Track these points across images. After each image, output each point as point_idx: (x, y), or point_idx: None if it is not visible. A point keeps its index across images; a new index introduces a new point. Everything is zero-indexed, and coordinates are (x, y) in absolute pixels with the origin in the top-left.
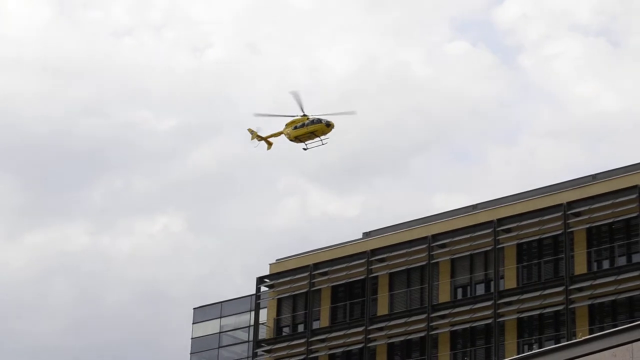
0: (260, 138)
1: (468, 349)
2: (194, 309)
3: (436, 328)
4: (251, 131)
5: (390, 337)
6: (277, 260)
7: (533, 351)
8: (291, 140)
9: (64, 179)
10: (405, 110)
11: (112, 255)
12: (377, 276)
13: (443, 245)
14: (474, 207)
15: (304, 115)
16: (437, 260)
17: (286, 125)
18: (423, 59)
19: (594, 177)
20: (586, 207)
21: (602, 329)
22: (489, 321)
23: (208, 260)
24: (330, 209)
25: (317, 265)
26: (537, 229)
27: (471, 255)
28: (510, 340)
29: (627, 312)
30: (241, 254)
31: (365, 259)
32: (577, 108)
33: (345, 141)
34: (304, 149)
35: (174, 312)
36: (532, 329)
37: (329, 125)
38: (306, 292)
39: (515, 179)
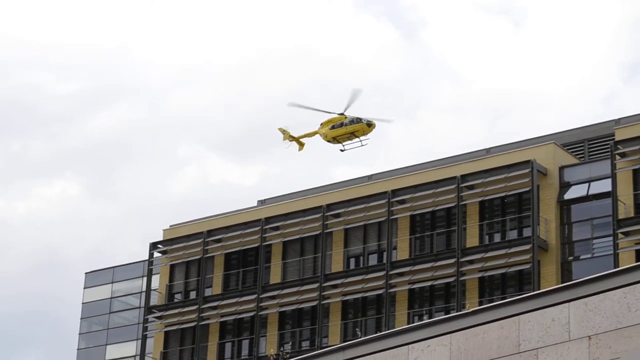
0: (292, 138)
1: (359, 319)
2: (86, 273)
3: (328, 297)
4: (282, 130)
5: (282, 305)
6: (170, 226)
7: (423, 321)
8: (328, 140)
9: None
10: (307, 82)
11: (7, 218)
12: (270, 244)
13: (337, 215)
14: (369, 177)
15: (341, 114)
16: (331, 229)
17: (322, 124)
18: (326, 33)
19: (488, 151)
20: (479, 181)
21: (491, 302)
22: (381, 292)
23: (105, 226)
24: (230, 178)
25: (210, 232)
26: (430, 200)
27: (365, 225)
28: (401, 311)
29: (517, 285)
30: (138, 221)
31: (259, 227)
32: (477, 85)
33: (246, 112)
34: (342, 150)
35: (68, 278)
36: (422, 300)
37: (370, 125)
38: (199, 259)
39: (414, 153)
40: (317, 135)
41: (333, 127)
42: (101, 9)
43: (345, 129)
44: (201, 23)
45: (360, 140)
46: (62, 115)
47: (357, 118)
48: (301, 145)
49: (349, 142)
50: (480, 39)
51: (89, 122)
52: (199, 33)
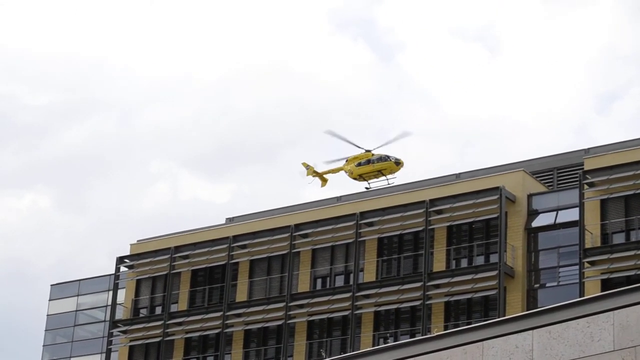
0: (316, 174)
1: (324, 340)
2: (51, 285)
3: (294, 317)
4: (306, 165)
5: (247, 323)
6: (138, 241)
7: (388, 344)
8: (353, 178)
9: None
10: (281, 102)
11: None
12: (237, 262)
13: (305, 235)
14: (338, 199)
15: (368, 151)
16: (299, 249)
17: (347, 161)
18: (302, 53)
19: (458, 177)
20: (448, 205)
21: (456, 326)
22: (347, 313)
23: (73, 240)
24: (201, 195)
25: (178, 248)
26: (398, 224)
27: (332, 246)
28: (367, 333)
29: (482, 310)
30: (107, 235)
31: (227, 245)
32: (450, 110)
33: (219, 129)
34: (367, 188)
35: (34, 290)
36: (388, 323)
37: (398, 164)
38: (166, 275)
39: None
40: (342, 172)
41: (359, 165)
42: (77, 21)
43: (372, 167)
44: (176, 40)
45: (387, 179)
46: (34, 126)
47: (385, 156)
48: (324, 181)
49: (375, 179)
50: (455, 64)
51: (61, 134)
52: (174, 49)
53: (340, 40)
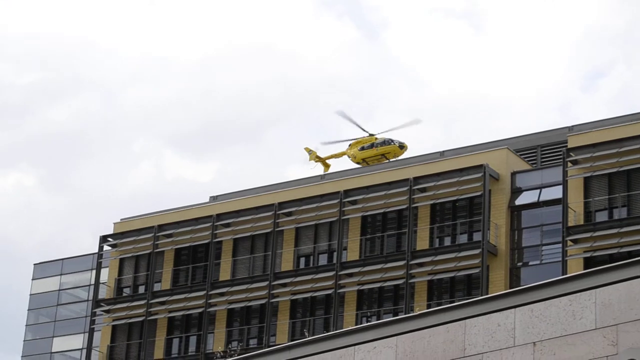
0: (318, 159)
1: (308, 318)
2: (34, 264)
3: (277, 296)
4: (309, 150)
5: (230, 302)
6: (121, 219)
7: (370, 323)
8: (357, 162)
9: None
10: (265, 81)
11: None
12: (221, 241)
13: (289, 214)
14: (322, 177)
15: (371, 134)
16: (282, 228)
17: (350, 145)
18: (287, 31)
19: (442, 154)
20: (431, 184)
21: (439, 305)
22: (330, 292)
23: (58, 219)
24: (185, 174)
25: (161, 227)
26: (382, 202)
27: (316, 225)
28: (350, 312)
29: (465, 289)
30: (92, 214)
31: (210, 223)
32: (435, 87)
33: (204, 109)
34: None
35: (18, 269)
36: (371, 302)
37: (402, 147)
38: (149, 254)
39: None
40: (345, 157)
41: (363, 149)
42: (62, 1)
43: (376, 151)
44: (161, 19)
45: (391, 162)
46: (18, 105)
47: (389, 139)
48: (327, 166)
49: (379, 164)
50: (440, 42)
51: (46, 113)
52: (159, 29)
53: (325, 19)
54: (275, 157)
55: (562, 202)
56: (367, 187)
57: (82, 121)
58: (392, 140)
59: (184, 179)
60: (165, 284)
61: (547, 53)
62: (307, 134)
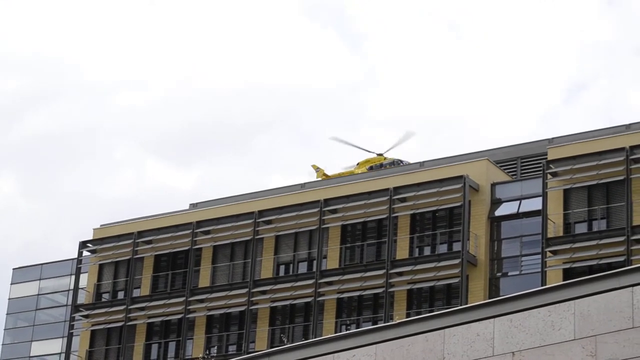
0: (325, 177)
1: (287, 326)
2: (13, 269)
3: (256, 303)
4: (316, 168)
5: (210, 309)
6: (101, 225)
7: (349, 331)
8: None
9: None
10: (249, 89)
11: None
12: (201, 248)
13: (269, 222)
14: (302, 186)
15: (380, 154)
16: (262, 236)
17: (359, 164)
18: (271, 40)
19: (422, 165)
20: (412, 193)
21: (418, 314)
22: (309, 299)
23: (38, 225)
24: (167, 181)
25: (141, 233)
26: (362, 211)
27: (296, 233)
28: (329, 320)
29: (444, 298)
30: (73, 220)
31: (190, 230)
32: (417, 98)
33: (188, 115)
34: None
35: None
36: (350, 310)
37: None
38: (128, 260)
39: (350, 163)
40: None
41: (371, 168)
42: (45, 7)
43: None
44: (144, 27)
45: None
46: (0, 111)
47: (398, 160)
48: None
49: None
50: (421, 54)
51: (27, 119)
52: (140, 35)
53: (310, 28)
54: (259, 166)
55: (541, 213)
56: (348, 197)
57: (64, 127)
58: (401, 161)
59: (165, 186)
60: (145, 289)
61: (529, 65)
62: (290, 143)
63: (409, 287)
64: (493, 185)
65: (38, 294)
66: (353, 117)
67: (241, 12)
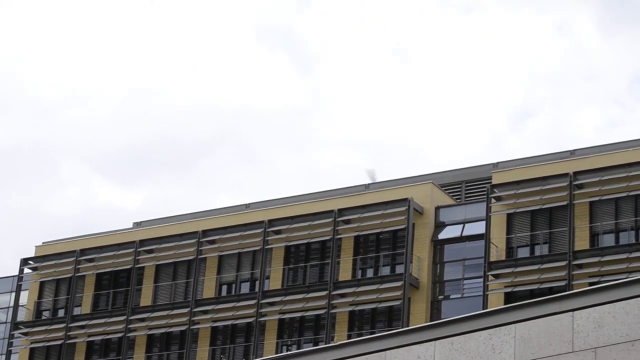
0: None
1: (228, 346)
2: None
3: (198, 323)
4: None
5: (151, 328)
6: (43, 243)
7: (290, 352)
8: None
9: None
10: (198, 108)
11: None
12: (143, 267)
13: (212, 242)
14: (247, 206)
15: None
16: (205, 255)
17: None
18: (220, 59)
19: (367, 187)
20: (356, 216)
21: (360, 336)
22: (251, 320)
23: None
24: (113, 200)
25: (84, 251)
26: (306, 232)
27: (239, 253)
28: (270, 340)
29: (386, 320)
30: (16, 237)
31: (133, 249)
32: (361, 121)
33: (133, 133)
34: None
35: None
36: (292, 331)
37: None
38: (70, 277)
39: (299, 185)
40: None
41: None
42: None
43: None
44: (94, 42)
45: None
46: None
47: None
48: None
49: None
50: (367, 75)
51: None
52: (85, 51)
53: (259, 49)
54: (204, 185)
55: (484, 237)
56: (292, 217)
57: (10, 141)
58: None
59: (111, 205)
60: (86, 308)
61: (475, 89)
62: (238, 163)
63: (351, 308)
64: (437, 208)
65: None
66: (299, 140)
67: (188, 30)
